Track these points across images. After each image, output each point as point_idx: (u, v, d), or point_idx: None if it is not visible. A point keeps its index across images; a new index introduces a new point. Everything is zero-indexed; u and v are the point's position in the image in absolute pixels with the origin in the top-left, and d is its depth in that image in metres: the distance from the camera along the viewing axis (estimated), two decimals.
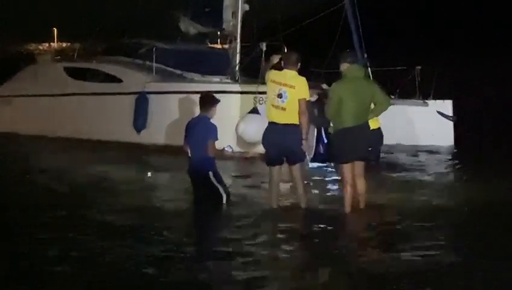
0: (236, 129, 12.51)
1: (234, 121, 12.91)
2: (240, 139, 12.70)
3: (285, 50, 13.31)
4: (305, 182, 8.81)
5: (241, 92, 13.44)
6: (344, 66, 8.46)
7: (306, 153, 8.69)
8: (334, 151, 8.61)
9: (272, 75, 8.54)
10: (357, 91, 8.28)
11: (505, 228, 7.72)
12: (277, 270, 6.48)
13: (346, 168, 8.35)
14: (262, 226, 7.99)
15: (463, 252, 6.86)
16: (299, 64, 8.43)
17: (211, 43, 18.53)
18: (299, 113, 8.15)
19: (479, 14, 27.89)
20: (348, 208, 8.36)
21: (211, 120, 9.02)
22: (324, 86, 13.20)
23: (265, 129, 8.49)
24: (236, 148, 12.63)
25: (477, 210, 8.80)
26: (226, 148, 9.65)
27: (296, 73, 8.35)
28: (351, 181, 8.36)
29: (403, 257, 6.75)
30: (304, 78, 8.34)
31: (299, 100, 8.15)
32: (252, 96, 12.97)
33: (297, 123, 8.19)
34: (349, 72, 8.40)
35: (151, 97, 14.35)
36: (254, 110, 12.53)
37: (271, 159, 8.48)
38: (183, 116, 13.19)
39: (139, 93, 14.42)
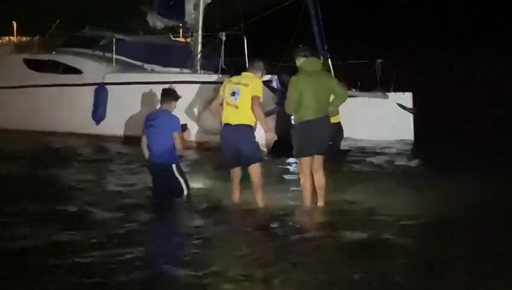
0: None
1: (194, 111, 12.89)
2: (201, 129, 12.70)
3: (245, 41, 13.34)
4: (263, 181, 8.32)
5: (202, 82, 13.39)
6: (300, 60, 8.37)
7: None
8: (295, 144, 8.45)
9: (231, 78, 8.44)
10: (317, 84, 8.20)
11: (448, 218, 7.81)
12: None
13: (306, 162, 8.26)
14: (221, 224, 7.71)
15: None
16: (262, 72, 8.30)
17: (174, 37, 18.50)
18: (252, 111, 7.94)
19: (440, 7, 28.20)
20: (306, 202, 8.29)
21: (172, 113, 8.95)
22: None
23: (221, 131, 8.31)
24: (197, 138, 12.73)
25: (430, 200, 8.81)
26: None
27: (253, 75, 8.20)
28: (309, 175, 8.30)
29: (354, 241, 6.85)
30: (259, 80, 8.19)
31: (252, 97, 7.95)
32: (212, 86, 12.93)
33: (250, 124, 8.04)
34: (307, 65, 8.32)
35: (111, 88, 14.23)
36: None
37: (227, 161, 8.33)
38: (142, 107, 13.14)
39: (98, 84, 14.29)
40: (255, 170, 8.20)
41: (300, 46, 8.93)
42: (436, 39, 26.69)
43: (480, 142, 13.81)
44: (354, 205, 8.54)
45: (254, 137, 8.11)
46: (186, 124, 9.06)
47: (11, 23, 20.90)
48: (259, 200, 8.29)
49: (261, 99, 8.04)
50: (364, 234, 7.14)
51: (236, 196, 8.46)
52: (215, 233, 7.34)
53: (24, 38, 20.45)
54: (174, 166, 8.78)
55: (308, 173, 8.25)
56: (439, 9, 27.87)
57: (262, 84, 8.18)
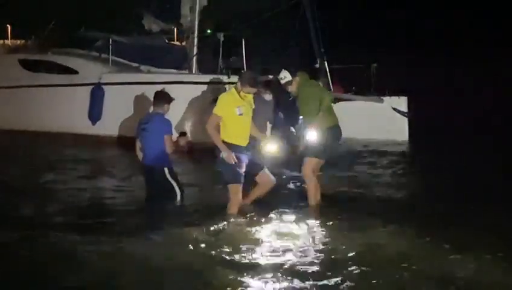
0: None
1: (191, 111, 12.93)
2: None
3: (243, 43, 13.33)
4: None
5: (198, 83, 13.41)
6: (297, 74, 8.27)
7: None
8: (313, 147, 8.26)
9: None
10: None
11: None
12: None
13: (316, 164, 8.34)
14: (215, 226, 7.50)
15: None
16: (251, 84, 7.68)
17: (169, 40, 18.53)
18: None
19: (435, 11, 28.32)
20: (314, 202, 8.35)
21: (165, 116, 8.95)
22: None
23: None
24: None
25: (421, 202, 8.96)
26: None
27: (229, 90, 7.94)
28: (315, 177, 8.41)
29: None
30: (222, 96, 7.80)
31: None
32: (210, 87, 12.98)
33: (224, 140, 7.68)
34: (305, 75, 8.46)
35: (107, 88, 14.23)
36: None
37: None
38: (138, 107, 13.14)
39: (95, 84, 14.30)
40: (229, 189, 7.86)
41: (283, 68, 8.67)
42: (431, 43, 26.82)
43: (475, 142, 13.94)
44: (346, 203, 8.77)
45: (220, 157, 7.68)
46: (186, 133, 9.11)
47: (6, 26, 20.95)
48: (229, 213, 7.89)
49: (218, 114, 7.63)
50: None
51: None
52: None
53: (19, 42, 20.47)
54: (166, 170, 8.78)
55: (314, 174, 8.35)
56: (436, 13, 27.97)
57: (224, 99, 7.72)
